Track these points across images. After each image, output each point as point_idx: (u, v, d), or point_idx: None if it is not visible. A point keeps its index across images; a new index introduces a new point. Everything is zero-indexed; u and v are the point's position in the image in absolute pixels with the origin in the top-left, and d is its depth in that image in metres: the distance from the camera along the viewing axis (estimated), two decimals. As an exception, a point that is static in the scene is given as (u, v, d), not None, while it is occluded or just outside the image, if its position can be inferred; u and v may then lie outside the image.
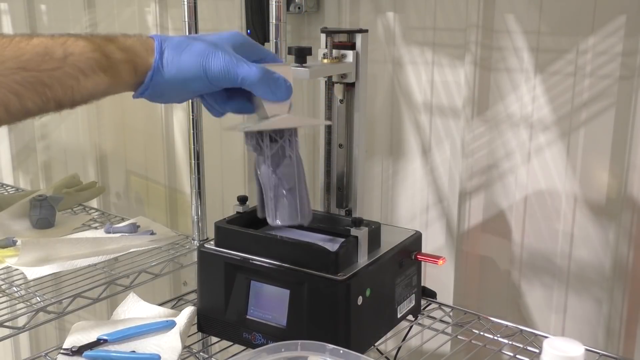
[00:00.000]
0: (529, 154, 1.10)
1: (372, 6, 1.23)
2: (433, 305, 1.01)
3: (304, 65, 0.88)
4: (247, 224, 0.91)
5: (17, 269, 1.09)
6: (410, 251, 0.94)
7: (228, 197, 1.52)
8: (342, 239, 0.87)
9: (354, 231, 0.85)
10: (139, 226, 1.29)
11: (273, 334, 0.85)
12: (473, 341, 0.92)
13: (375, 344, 0.89)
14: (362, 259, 0.85)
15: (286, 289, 0.84)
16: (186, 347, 0.91)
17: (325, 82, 0.97)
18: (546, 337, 0.77)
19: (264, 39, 1.25)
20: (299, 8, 1.27)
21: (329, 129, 0.99)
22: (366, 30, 0.94)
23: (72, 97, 0.67)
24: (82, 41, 0.66)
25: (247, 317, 0.87)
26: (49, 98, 0.65)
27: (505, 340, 0.91)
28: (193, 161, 1.22)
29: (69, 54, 0.65)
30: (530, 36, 1.07)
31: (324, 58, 0.94)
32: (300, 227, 0.95)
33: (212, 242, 0.91)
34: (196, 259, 0.94)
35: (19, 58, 0.63)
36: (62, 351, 0.88)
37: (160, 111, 1.61)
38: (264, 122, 0.75)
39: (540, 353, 0.74)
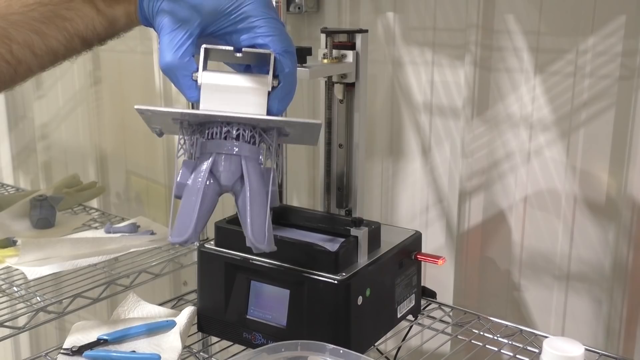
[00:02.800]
0: (529, 154, 1.11)
1: (372, 6, 1.23)
2: (433, 305, 1.01)
3: (304, 65, 0.88)
4: (247, 224, 0.91)
5: (17, 269, 1.09)
6: (410, 251, 0.94)
7: (228, 197, 1.52)
8: (342, 239, 0.87)
9: (354, 231, 0.85)
10: (139, 226, 1.29)
11: (273, 334, 0.85)
12: (473, 341, 0.92)
13: (375, 344, 0.89)
14: (362, 259, 0.85)
15: (286, 289, 0.84)
16: (186, 347, 0.91)
17: (325, 82, 0.97)
18: (546, 337, 0.77)
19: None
20: (299, 8, 1.27)
21: (329, 129, 0.99)
22: (366, 30, 0.94)
23: (94, 29, 0.64)
24: None
25: (247, 317, 0.87)
26: (71, 34, 0.63)
27: (505, 340, 0.91)
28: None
29: None
30: (530, 36, 1.07)
31: (324, 58, 0.94)
32: (300, 227, 0.95)
33: (212, 242, 0.91)
34: (196, 259, 0.94)
35: None
36: (62, 351, 0.88)
37: (160, 111, 1.62)
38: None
39: (540, 353, 0.74)
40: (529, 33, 1.07)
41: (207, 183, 0.67)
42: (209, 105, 0.66)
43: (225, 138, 0.67)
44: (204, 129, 0.68)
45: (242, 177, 0.67)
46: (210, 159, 0.67)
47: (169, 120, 0.69)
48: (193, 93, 0.66)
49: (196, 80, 0.66)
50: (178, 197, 0.68)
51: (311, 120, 0.68)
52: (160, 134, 0.74)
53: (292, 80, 0.68)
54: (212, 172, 0.67)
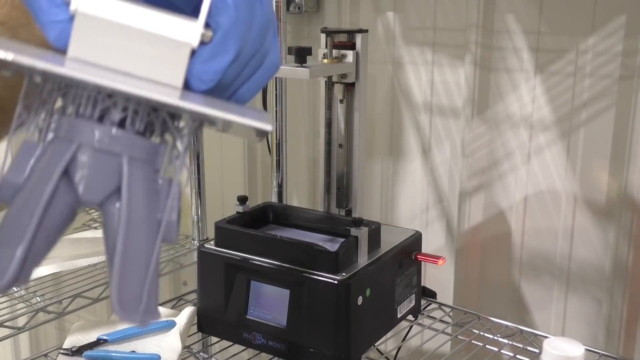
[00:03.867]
0: (529, 154, 1.10)
1: (372, 6, 1.23)
2: (433, 305, 1.01)
3: (304, 65, 0.88)
4: (247, 224, 0.91)
5: (17, 269, 1.09)
6: (410, 251, 0.94)
7: (228, 197, 1.52)
8: (342, 239, 0.87)
9: (354, 231, 0.85)
10: (139, 226, 1.29)
11: (273, 334, 0.85)
12: (473, 341, 0.92)
13: (375, 344, 0.89)
14: (362, 259, 0.85)
15: (286, 289, 0.84)
16: (186, 347, 0.91)
17: (325, 82, 0.97)
18: (546, 337, 0.77)
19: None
20: (299, 8, 1.27)
21: (329, 129, 0.99)
22: (366, 30, 0.94)
23: None
24: None
25: (247, 317, 0.87)
26: None
27: (505, 340, 0.91)
28: (193, 161, 1.22)
29: None
30: (530, 36, 1.07)
31: (324, 58, 0.94)
32: (300, 227, 0.95)
33: (212, 242, 0.91)
34: (196, 259, 0.94)
35: None
36: (62, 351, 0.88)
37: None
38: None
39: (540, 353, 0.74)
40: (529, 33, 1.07)
41: (57, 192, 0.38)
42: (83, 54, 0.38)
43: (100, 119, 0.37)
44: (68, 94, 0.38)
45: (118, 190, 0.38)
46: (69, 151, 0.37)
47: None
48: (55, 27, 0.37)
49: (67, 4, 0.37)
50: (4, 202, 0.39)
51: (247, 119, 0.37)
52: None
53: (235, 32, 0.38)
54: (67, 173, 0.38)
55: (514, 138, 1.11)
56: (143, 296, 0.38)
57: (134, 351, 0.87)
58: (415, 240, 0.95)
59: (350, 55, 0.94)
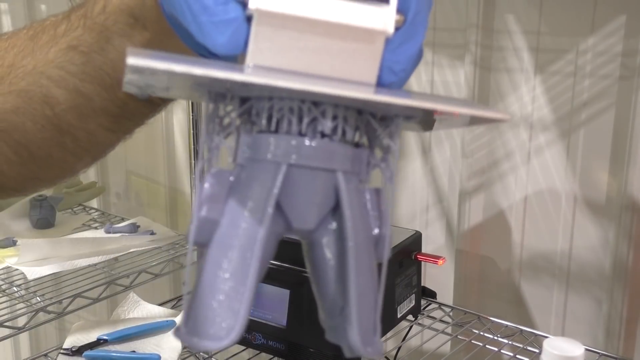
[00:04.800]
0: (529, 154, 1.10)
1: (372, 6, 1.22)
2: (433, 305, 1.01)
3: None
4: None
5: (17, 269, 1.09)
6: (410, 251, 0.94)
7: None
8: (342, 239, 0.87)
9: (354, 231, 0.85)
10: (139, 226, 1.29)
11: (273, 334, 0.85)
12: (473, 341, 0.92)
13: (375, 344, 0.89)
14: (362, 259, 0.85)
15: (286, 289, 0.84)
16: (186, 347, 0.91)
17: (325, 82, 0.97)
18: (546, 337, 0.77)
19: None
20: (299, 8, 1.27)
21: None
22: (366, 30, 0.94)
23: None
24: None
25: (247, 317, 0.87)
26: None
27: (505, 340, 0.91)
28: (193, 161, 1.22)
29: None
30: (530, 36, 1.07)
31: (324, 58, 0.94)
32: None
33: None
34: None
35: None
36: (62, 351, 0.88)
37: (160, 111, 1.61)
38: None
39: (540, 353, 0.74)
40: (529, 33, 1.07)
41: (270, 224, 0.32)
42: (266, 59, 0.32)
43: (301, 133, 0.32)
44: (256, 108, 0.33)
45: (330, 213, 0.33)
46: (278, 174, 0.32)
47: (186, 86, 0.33)
48: (227, 28, 0.31)
49: (240, 2, 0.32)
50: (201, 244, 0.34)
51: (492, 112, 0.33)
52: (144, 95, 0.40)
53: (423, 11, 0.34)
54: (279, 203, 0.32)
55: (514, 138, 1.11)
56: (376, 325, 0.34)
57: (134, 351, 0.87)
58: (415, 240, 0.95)
59: (350, 55, 0.93)
